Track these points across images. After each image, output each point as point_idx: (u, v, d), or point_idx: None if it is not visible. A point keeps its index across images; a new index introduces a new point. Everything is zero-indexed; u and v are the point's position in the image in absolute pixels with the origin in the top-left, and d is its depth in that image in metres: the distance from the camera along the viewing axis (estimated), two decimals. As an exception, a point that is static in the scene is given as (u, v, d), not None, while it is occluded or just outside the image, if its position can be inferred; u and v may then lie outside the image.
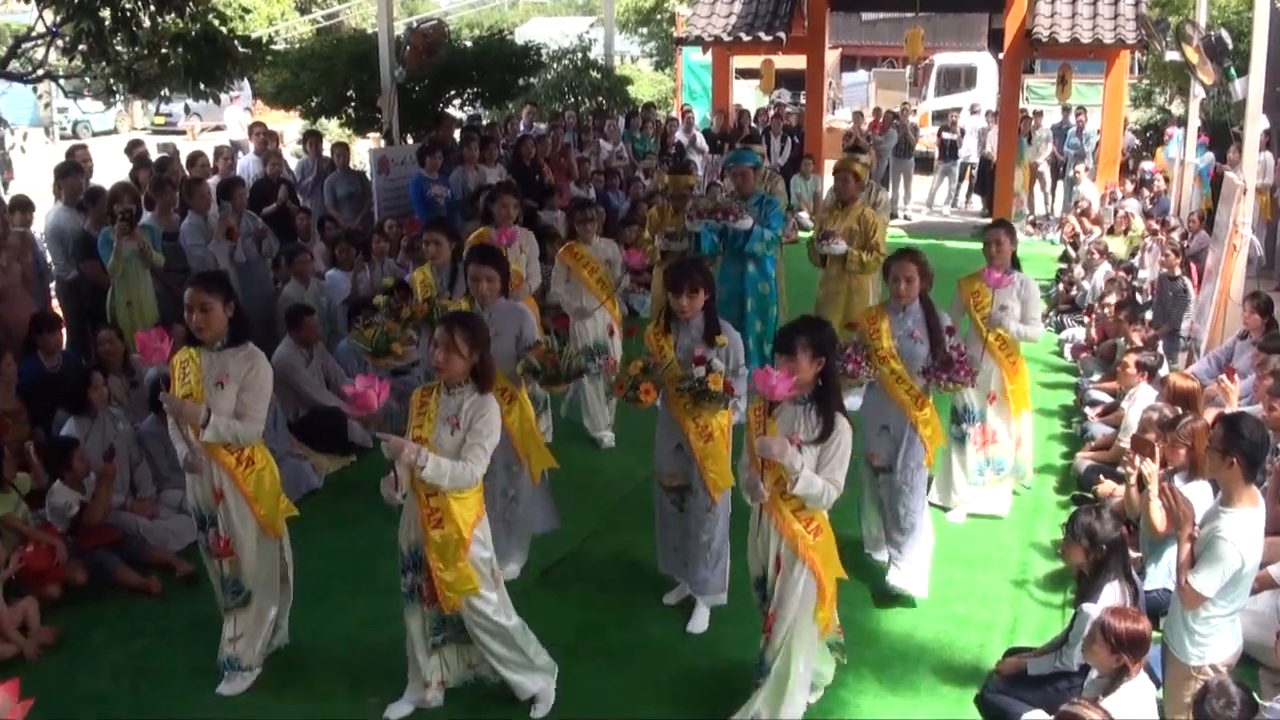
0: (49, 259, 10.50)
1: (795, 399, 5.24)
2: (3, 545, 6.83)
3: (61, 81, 11.00)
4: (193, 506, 6.04)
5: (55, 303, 10.39)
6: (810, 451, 5.17)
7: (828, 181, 18.51)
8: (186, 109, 28.73)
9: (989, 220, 18.84)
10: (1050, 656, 5.71)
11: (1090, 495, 8.04)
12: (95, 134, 31.27)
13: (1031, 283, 8.11)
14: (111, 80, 10.51)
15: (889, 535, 7.10)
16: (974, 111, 22.61)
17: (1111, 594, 5.51)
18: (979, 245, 8.12)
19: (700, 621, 6.71)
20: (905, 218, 20.31)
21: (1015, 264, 8.09)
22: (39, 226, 10.71)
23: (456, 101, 17.25)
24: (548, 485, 7.30)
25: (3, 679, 6.24)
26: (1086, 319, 12.34)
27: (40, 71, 10.36)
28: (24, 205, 10.50)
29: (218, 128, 29.52)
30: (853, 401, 8.30)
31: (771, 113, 21.38)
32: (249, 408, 5.78)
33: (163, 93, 11.36)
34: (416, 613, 5.67)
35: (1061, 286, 14.12)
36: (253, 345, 5.94)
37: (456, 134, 14.94)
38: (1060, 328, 12.93)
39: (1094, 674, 5.18)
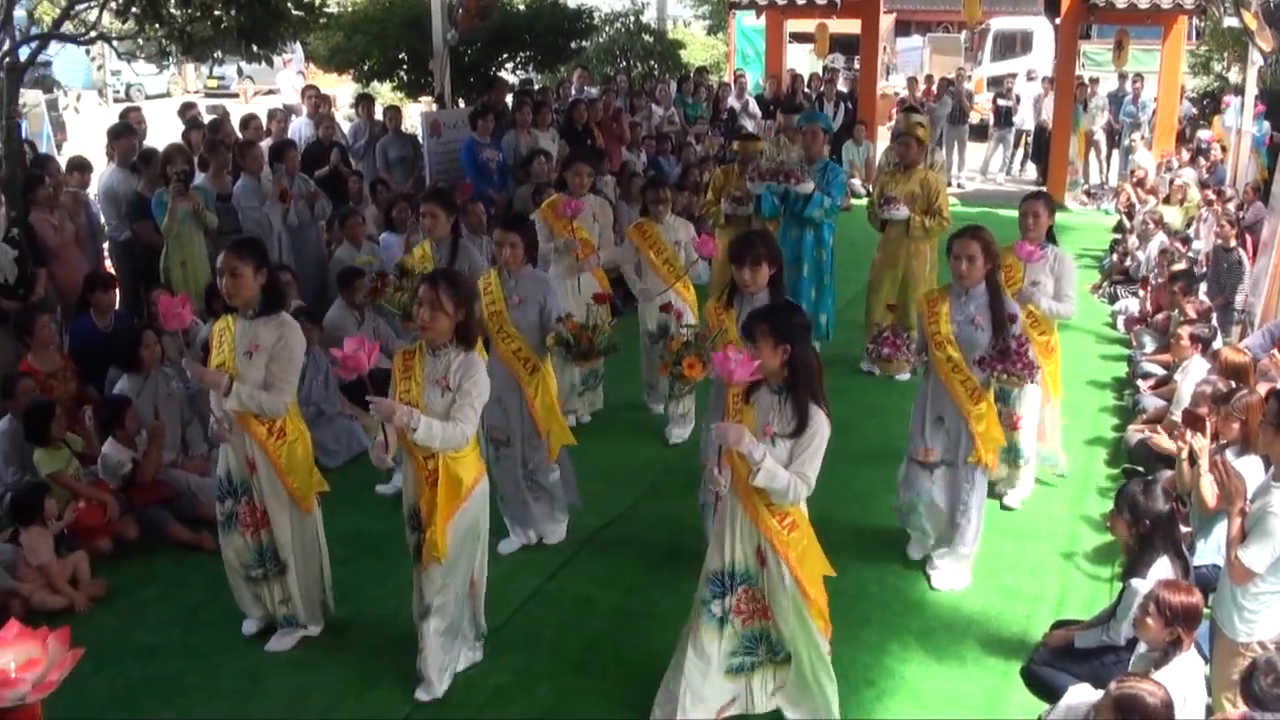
0: (102, 220, 10.61)
1: (771, 388, 5.00)
2: (54, 501, 6.92)
3: (114, 44, 11.03)
4: (222, 476, 6.03)
5: (109, 263, 10.50)
6: (784, 444, 4.92)
7: (880, 148, 18.47)
8: (239, 72, 28.82)
9: (1043, 189, 18.76)
10: (1097, 630, 5.68)
11: (1139, 469, 7.97)
12: (148, 97, 31.51)
13: (1067, 258, 7.81)
14: (164, 42, 10.55)
15: (939, 532, 6.80)
16: (1030, 78, 22.35)
17: (1162, 569, 5.46)
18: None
19: None
20: (959, 185, 20.13)
21: (1051, 238, 7.83)
22: (93, 188, 10.81)
23: (509, 65, 17.23)
24: (568, 460, 7.27)
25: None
26: (1141, 291, 12.18)
27: (93, 33, 10.40)
28: (81, 166, 10.63)
29: (270, 91, 29.62)
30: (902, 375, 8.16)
31: (825, 78, 21.22)
32: (276, 379, 5.75)
33: (215, 55, 11.37)
34: (417, 573, 5.67)
35: (1115, 257, 13.94)
36: (285, 315, 5.92)
37: (509, 98, 14.94)
38: (1114, 299, 12.79)
39: (1142, 648, 5.15)
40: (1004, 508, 7.76)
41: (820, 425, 4.92)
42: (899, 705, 5.74)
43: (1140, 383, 9.54)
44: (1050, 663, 5.76)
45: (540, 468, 7.07)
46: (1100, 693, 5.02)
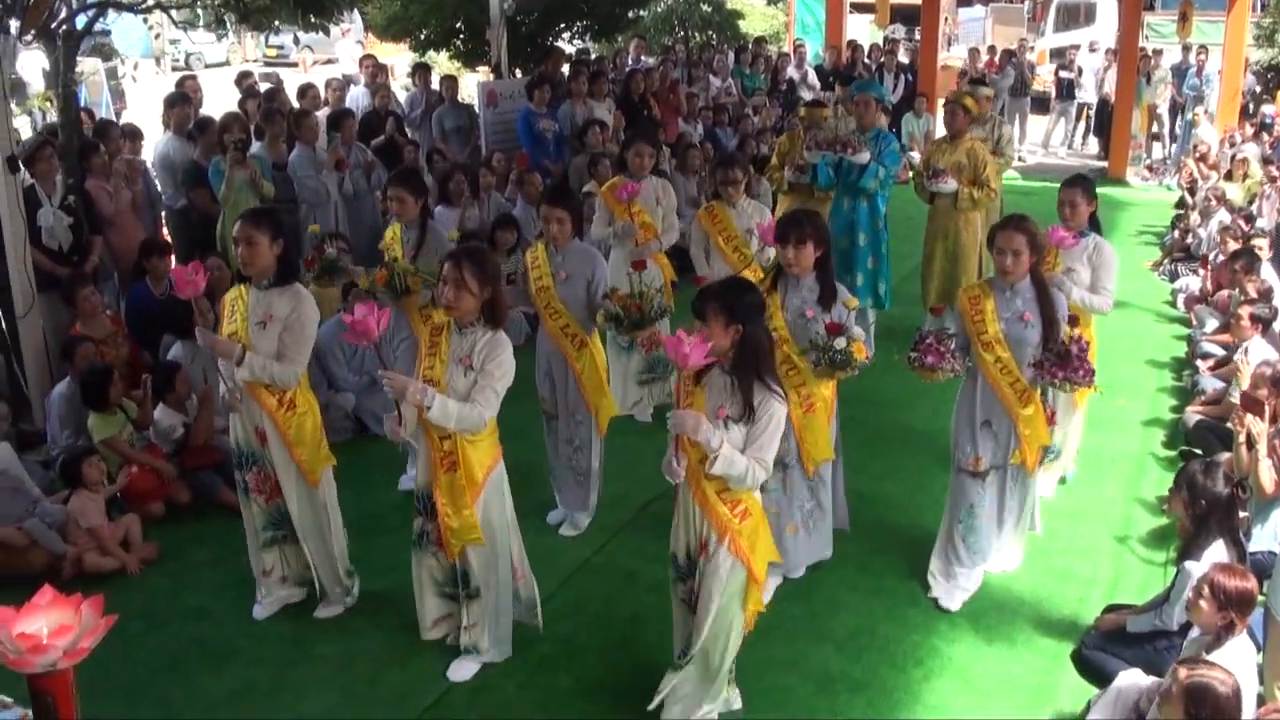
0: (159, 187, 10.68)
1: (724, 369, 4.76)
2: (99, 466, 7.00)
3: (171, 12, 11.06)
4: (234, 445, 6.05)
5: (165, 231, 10.58)
6: (739, 428, 4.69)
7: (941, 121, 18.25)
8: (296, 40, 28.90)
9: (1104, 164, 18.50)
10: (1150, 614, 5.59)
11: (1197, 452, 7.85)
12: (207, 66, 31.69)
13: (1107, 248, 7.12)
14: (220, 11, 10.58)
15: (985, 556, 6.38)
16: (1093, 49, 22.02)
17: (1217, 553, 5.38)
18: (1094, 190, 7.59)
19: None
20: (1019, 159, 19.86)
21: (1095, 225, 7.20)
22: (149, 155, 10.89)
23: (566, 35, 17.18)
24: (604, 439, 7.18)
25: (104, 592, 6.46)
26: (1201, 269, 11.98)
27: (150, 2, 10.43)
28: (133, 134, 10.72)
29: (329, 60, 29.74)
30: None
31: (885, 49, 20.99)
32: (288, 349, 5.72)
33: (272, 24, 11.40)
34: (425, 556, 5.63)
35: (1177, 233, 13.72)
36: (299, 286, 5.88)
37: (565, 68, 14.88)
38: (1174, 276, 12.58)
39: (1195, 632, 5.07)
40: None
41: (774, 408, 4.69)
42: (946, 686, 5.69)
43: (1199, 363, 9.38)
44: (1102, 647, 5.69)
45: (584, 446, 7.01)
46: (1151, 679, 4.98)
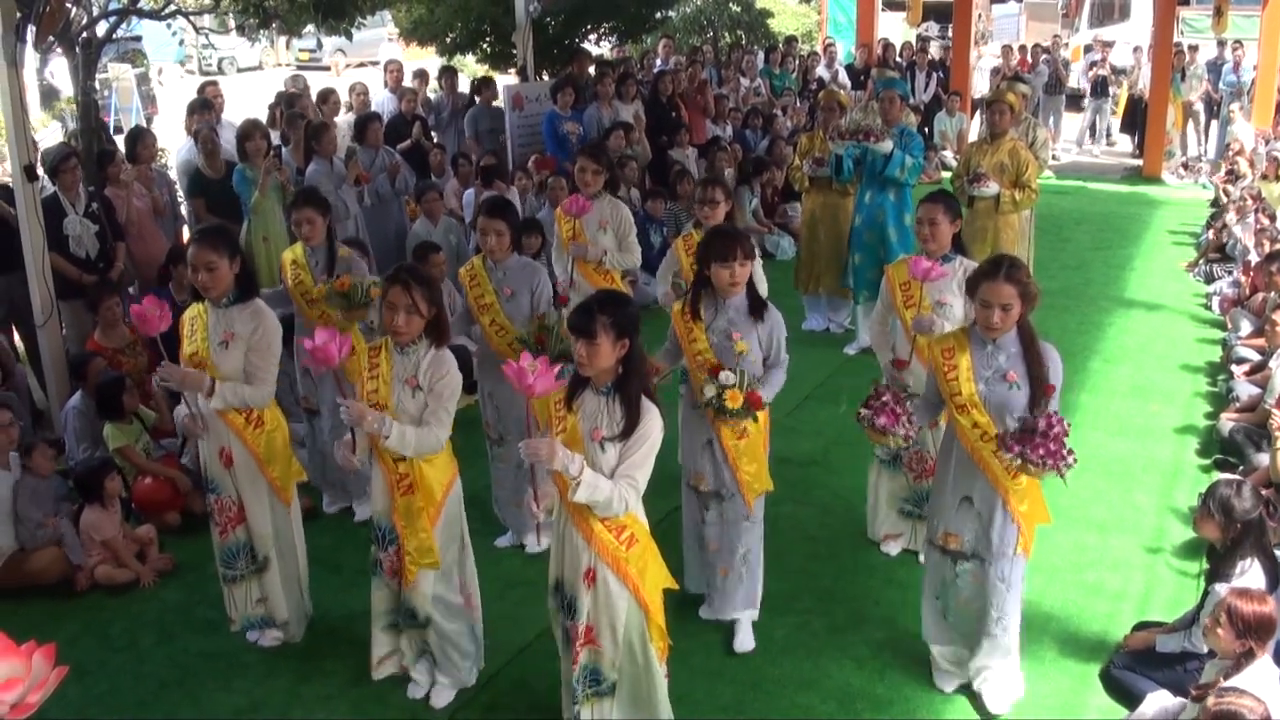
0: (181, 194, 10.64)
1: (598, 389, 4.54)
2: (123, 475, 6.97)
3: (190, 18, 11.04)
4: (202, 468, 5.93)
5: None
6: (615, 448, 4.48)
7: (973, 120, 18.04)
8: (319, 44, 28.86)
9: (1139, 162, 18.24)
10: (1180, 635, 5.44)
11: (1232, 460, 7.67)
12: (240, 70, 31.84)
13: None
14: (241, 16, 10.56)
15: (972, 643, 5.44)
16: (1132, 49, 21.76)
17: (1253, 575, 5.21)
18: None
19: (745, 639, 6.00)
20: (1053, 158, 19.63)
21: (958, 247, 6.53)
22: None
23: (593, 36, 17.11)
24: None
25: (118, 604, 6.39)
26: (1239, 273, 11.66)
27: (171, 7, 10.41)
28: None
29: (362, 64, 29.71)
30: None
31: (918, 47, 20.80)
32: (257, 369, 5.58)
33: (294, 29, 11.37)
34: (380, 585, 5.48)
35: (1211, 234, 13.45)
36: (259, 302, 5.72)
37: (591, 69, 14.80)
38: (1210, 279, 12.31)
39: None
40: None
41: (652, 423, 4.50)
42: (971, 707, 5.52)
43: (1234, 368, 9.15)
44: (1130, 666, 5.53)
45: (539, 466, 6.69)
46: (1178, 700, 4.84)
